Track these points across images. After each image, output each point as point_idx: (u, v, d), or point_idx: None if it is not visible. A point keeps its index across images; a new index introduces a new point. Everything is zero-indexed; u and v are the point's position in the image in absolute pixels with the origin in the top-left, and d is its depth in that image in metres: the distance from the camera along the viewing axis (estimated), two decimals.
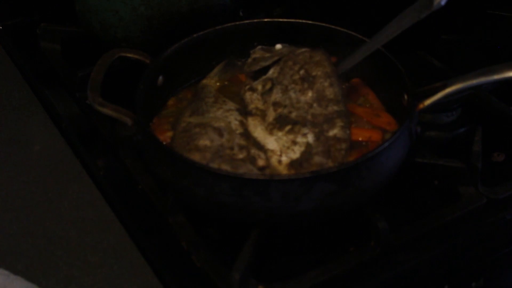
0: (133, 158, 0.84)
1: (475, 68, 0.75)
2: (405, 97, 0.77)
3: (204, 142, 0.74)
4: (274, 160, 0.74)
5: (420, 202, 0.81)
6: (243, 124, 0.79)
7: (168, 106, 0.86)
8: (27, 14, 1.17)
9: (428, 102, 0.76)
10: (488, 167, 0.82)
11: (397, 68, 0.80)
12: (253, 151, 0.75)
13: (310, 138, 0.75)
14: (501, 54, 1.03)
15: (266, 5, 1.13)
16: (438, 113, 0.92)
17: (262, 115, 0.80)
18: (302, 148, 0.74)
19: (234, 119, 0.79)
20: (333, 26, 0.88)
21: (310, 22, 0.89)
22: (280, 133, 0.76)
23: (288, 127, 0.76)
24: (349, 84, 0.88)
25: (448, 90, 0.75)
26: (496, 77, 0.73)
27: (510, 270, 0.78)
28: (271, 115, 0.79)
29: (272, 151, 0.75)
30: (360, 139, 0.79)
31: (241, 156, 0.74)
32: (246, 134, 0.78)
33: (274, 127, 0.77)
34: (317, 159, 0.73)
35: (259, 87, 0.83)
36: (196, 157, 0.72)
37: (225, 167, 0.71)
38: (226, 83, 0.90)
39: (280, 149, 0.75)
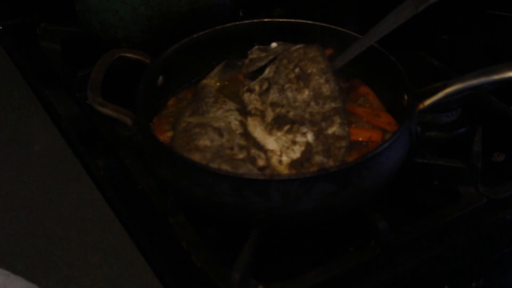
0: (133, 158, 0.84)
1: (475, 68, 0.75)
2: (405, 97, 0.77)
3: (204, 142, 0.74)
4: (274, 160, 0.74)
5: (420, 202, 0.81)
6: (243, 124, 0.79)
7: (168, 106, 0.86)
8: (27, 14, 1.17)
9: (428, 102, 0.76)
10: (488, 167, 0.82)
11: (397, 68, 0.80)
12: (253, 151, 0.75)
13: (310, 137, 0.75)
14: (501, 54, 1.03)
15: (266, 5, 1.13)
16: (438, 113, 0.92)
17: (262, 115, 0.80)
18: (302, 148, 0.74)
19: (234, 119, 0.79)
20: (333, 26, 0.88)
21: (310, 22, 0.89)
22: (279, 133, 0.76)
23: (286, 127, 0.76)
24: (349, 84, 0.88)
25: (448, 90, 0.75)
26: (496, 77, 0.73)
27: (510, 270, 0.78)
28: (269, 115, 0.79)
29: (272, 151, 0.75)
30: (360, 139, 0.79)
31: (241, 156, 0.74)
32: (246, 134, 0.78)
33: (273, 127, 0.77)
34: (318, 158, 0.73)
35: (257, 88, 0.83)
36: (196, 157, 0.72)
37: (225, 167, 0.71)
38: (226, 83, 0.90)
39: (280, 149, 0.75)
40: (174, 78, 0.87)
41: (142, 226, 0.76)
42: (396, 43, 0.83)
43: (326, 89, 0.79)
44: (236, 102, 0.84)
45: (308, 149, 0.74)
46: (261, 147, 0.76)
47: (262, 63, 0.85)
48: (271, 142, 0.76)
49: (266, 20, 0.92)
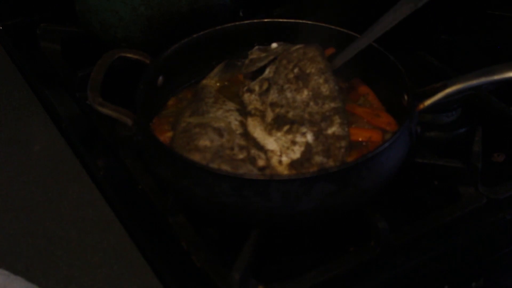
0: (133, 158, 0.84)
1: (475, 68, 0.75)
2: (405, 97, 0.77)
3: (204, 142, 0.74)
4: (274, 160, 0.74)
5: (420, 202, 0.81)
6: (243, 125, 0.79)
7: (168, 106, 0.86)
8: (27, 14, 1.17)
9: (428, 102, 0.76)
10: (488, 167, 0.82)
11: (397, 68, 0.80)
12: (253, 151, 0.75)
13: (309, 137, 0.75)
14: (501, 54, 1.03)
15: (266, 5, 1.13)
16: (438, 113, 0.92)
17: (262, 115, 0.80)
18: (302, 148, 0.74)
19: (234, 119, 0.79)
20: (333, 26, 0.88)
21: (310, 22, 0.89)
22: (279, 134, 0.76)
23: (286, 127, 0.76)
24: (349, 84, 0.88)
25: (448, 90, 0.75)
26: (496, 77, 0.73)
27: (510, 270, 0.78)
28: (269, 115, 0.79)
29: (272, 151, 0.75)
30: (360, 139, 0.79)
31: (241, 156, 0.74)
32: (246, 135, 0.78)
33: (272, 127, 0.77)
34: (318, 158, 0.73)
35: (256, 88, 0.83)
36: (196, 157, 0.72)
37: (225, 167, 0.71)
38: (226, 83, 0.90)
39: (280, 149, 0.75)
40: (174, 78, 0.87)
41: (142, 226, 0.76)
42: (396, 43, 0.83)
43: (325, 89, 0.79)
44: (236, 103, 0.84)
45: (308, 149, 0.74)
46: (261, 147, 0.76)
47: (262, 64, 0.85)
48: (271, 143, 0.76)
49: (266, 20, 0.92)
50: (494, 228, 0.77)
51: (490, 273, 0.77)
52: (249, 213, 0.69)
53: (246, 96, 0.83)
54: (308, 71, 0.80)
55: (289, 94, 0.79)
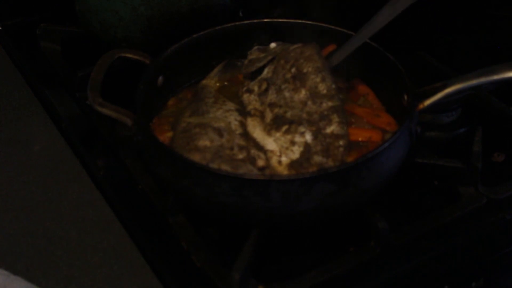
0: (133, 158, 0.84)
1: (475, 68, 0.75)
2: (405, 97, 0.77)
3: (204, 142, 0.74)
4: (274, 160, 0.74)
5: (420, 202, 0.81)
6: (243, 125, 0.79)
7: (168, 106, 0.86)
8: (27, 14, 1.17)
9: (428, 102, 0.75)
10: (488, 167, 0.82)
11: (397, 68, 0.80)
12: (253, 151, 0.75)
13: (308, 137, 0.75)
14: (501, 54, 1.03)
15: (266, 5, 1.13)
16: (438, 113, 0.92)
17: (261, 115, 0.80)
18: (301, 148, 0.74)
19: (234, 120, 0.79)
20: (333, 26, 0.88)
21: (310, 22, 0.89)
22: (277, 134, 0.76)
23: (285, 127, 0.76)
24: (349, 84, 0.88)
25: (448, 90, 0.75)
26: (496, 77, 0.73)
27: (510, 270, 0.78)
28: (268, 116, 0.79)
29: (272, 151, 0.75)
30: (360, 139, 0.79)
31: (241, 156, 0.74)
32: (246, 135, 0.78)
33: (271, 128, 0.77)
34: (317, 158, 0.73)
35: (256, 88, 0.83)
36: (196, 157, 0.72)
37: (225, 167, 0.71)
38: (226, 83, 0.90)
39: (280, 149, 0.75)
40: (174, 78, 0.87)
41: (142, 226, 0.76)
42: (396, 43, 0.83)
43: (322, 88, 0.78)
44: (236, 103, 0.84)
45: (307, 150, 0.74)
46: (260, 148, 0.76)
47: (261, 64, 0.85)
48: (270, 143, 0.76)
49: (266, 20, 0.92)
50: (494, 228, 0.77)
51: (490, 273, 0.77)
52: (249, 213, 0.69)
53: (246, 97, 0.83)
54: (305, 70, 0.80)
55: (287, 94, 0.79)
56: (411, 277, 0.73)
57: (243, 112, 0.82)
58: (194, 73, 0.90)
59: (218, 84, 0.89)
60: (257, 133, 0.78)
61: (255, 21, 0.91)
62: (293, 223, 0.73)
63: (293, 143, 0.75)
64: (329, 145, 0.74)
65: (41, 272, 0.71)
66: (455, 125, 0.92)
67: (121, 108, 0.76)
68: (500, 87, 0.94)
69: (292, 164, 0.73)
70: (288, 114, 0.77)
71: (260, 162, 0.74)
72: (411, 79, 0.77)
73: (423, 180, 0.82)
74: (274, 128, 0.77)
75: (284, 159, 0.74)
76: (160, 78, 0.84)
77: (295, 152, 0.74)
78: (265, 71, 0.84)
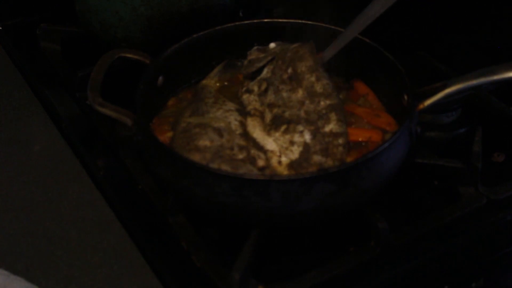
0: (133, 158, 0.84)
1: (475, 68, 0.75)
2: (405, 97, 0.77)
3: (204, 142, 0.74)
4: (274, 160, 0.74)
5: (420, 202, 0.81)
6: (243, 125, 0.79)
7: (168, 106, 0.86)
8: (27, 14, 1.17)
9: (428, 102, 0.76)
10: (488, 167, 0.82)
11: (397, 68, 0.80)
12: (253, 151, 0.75)
13: (307, 136, 0.75)
14: (501, 54, 1.03)
15: (266, 5, 1.13)
16: (438, 113, 0.92)
17: (261, 115, 0.80)
18: (300, 148, 0.74)
19: (234, 120, 0.79)
20: (333, 27, 0.88)
21: (310, 22, 0.89)
22: (277, 134, 0.76)
23: (283, 127, 0.76)
24: (349, 84, 0.88)
25: (448, 90, 0.75)
26: (496, 77, 0.73)
27: (510, 270, 0.78)
28: (268, 116, 0.79)
29: (272, 151, 0.75)
30: (360, 139, 0.79)
31: (241, 156, 0.74)
32: (246, 135, 0.78)
33: (271, 128, 0.77)
34: (316, 158, 0.73)
35: (255, 88, 0.83)
36: (196, 157, 0.72)
37: (225, 167, 0.71)
38: (226, 83, 0.90)
39: (279, 149, 0.75)
40: (174, 78, 0.87)
41: (142, 226, 0.76)
42: (396, 43, 0.83)
43: (318, 87, 0.78)
44: (236, 103, 0.84)
45: (306, 149, 0.74)
46: (260, 148, 0.76)
47: (261, 64, 0.85)
48: (270, 143, 0.76)
49: (266, 20, 0.92)
50: (494, 228, 0.77)
51: (490, 273, 0.77)
52: (249, 213, 0.69)
53: (245, 97, 0.83)
54: (299, 70, 0.80)
55: (284, 94, 0.79)
56: (411, 277, 0.73)
57: (243, 112, 0.82)
58: (194, 73, 0.90)
59: (218, 84, 0.89)
60: (257, 133, 0.78)
61: (255, 21, 0.91)
62: (293, 223, 0.73)
63: (292, 143, 0.75)
64: (328, 144, 0.74)
65: (41, 272, 0.71)
66: (455, 125, 0.92)
67: (121, 108, 0.76)
68: (500, 87, 0.94)
69: (292, 164, 0.73)
70: (287, 114, 0.77)
71: (260, 162, 0.74)
72: (411, 79, 0.77)
73: (423, 180, 0.82)
74: (273, 128, 0.77)
75: (284, 159, 0.74)
76: (160, 78, 0.84)
77: (295, 152, 0.74)
78: (264, 71, 0.84)
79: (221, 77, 0.90)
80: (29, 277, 0.69)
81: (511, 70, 0.73)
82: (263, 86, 0.82)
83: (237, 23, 0.91)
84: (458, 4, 1.03)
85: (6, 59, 1.07)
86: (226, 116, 0.80)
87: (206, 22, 0.91)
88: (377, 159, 0.69)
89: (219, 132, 0.76)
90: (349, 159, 0.75)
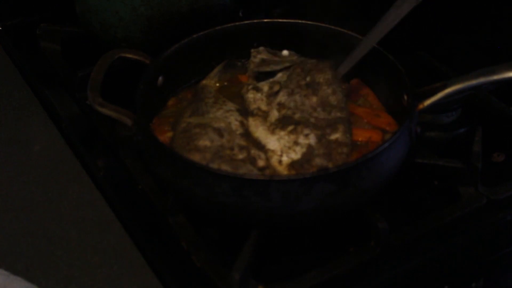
0: (133, 158, 0.84)
1: (475, 68, 0.75)
2: (405, 97, 0.77)
3: (204, 142, 0.74)
4: (274, 160, 0.74)
5: (420, 202, 0.81)
6: (243, 125, 0.79)
7: (168, 106, 0.86)
8: (27, 14, 1.17)
9: (428, 102, 0.76)
10: (488, 167, 0.82)
11: (397, 68, 0.80)
12: (253, 151, 0.75)
13: (312, 139, 0.75)
14: (501, 54, 1.03)
15: (266, 5, 1.13)
16: (438, 113, 0.92)
17: (264, 115, 0.80)
18: (304, 149, 0.74)
19: (234, 120, 0.79)
20: (333, 27, 0.88)
21: (310, 22, 0.89)
22: (282, 133, 0.76)
23: (290, 127, 0.76)
24: (349, 84, 0.87)
25: (448, 90, 0.75)
26: (496, 77, 0.73)
27: (510, 270, 0.78)
28: (274, 115, 0.79)
29: (273, 151, 0.75)
30: (360, 139, 0.79)
31: (241, 156, 0.74)
32: (246, 135, 0.78)
33: (276, 126, 0.77)
34: (318, 160, 0.73)
35: (265, 88, 0.83)
36: (196, 157, 0.72)
37: (225, 167, 0.71)
38: (226, 83, 0.90)
39: (281, 149, 0.75)
40: (174, 78, 0.87)
41: (142, 226, 0.76)
42: (396, 43, 0.83)
43: (333, 99, 0.80)
44: (236, 103, 0.84)
45: (309, 151, 0.74)
46: (261, 147, 0.76)
47: (278, 67, 0.85)
48: (272, 141, 0.76)
49: (266, 20, 0.92)
50: (494, 228, 0.77)
51: (490, 273, 0.77)
52: (249, 213, 0.69)
53: (251, 94, 0.83)
54: (317, 80, 0.81)
55: (298, 98, 0.80)
56: (411, 277, 0.73)
57: (244, 112, 0.82)
58: (194, 73, 0.90)
59: (218, 84, 0.89)
60: (260, 132, 0.78)
61: (255, 21, 0.91)
62: (293, 223, 0.73)
63: (296, 143, 0.75)
64: (332, 150, 0.74)
65: (41, 272, 0.71)
66: (455, 125, 0.92)
67: (121, 108, 0.76)
68: (500, 87, 0.94)
69: (293, 164, 0.73)
70: (296, 116, 0.78)
71: (260, 162, 0.74)
72: (411, 79, 0.77)
73: (423, 180, 0.82)
74: (280, 127, 0.77)
75: (285, 159, 0.74)
76: (160, 78, 0.84)
77: (297, 153, 0.74)
78: (279, 75, 0.85)
79: (221, 77, 0.90)
80: (29, 277, 0.69)
81: (511, 70, 0.73)
82: (276, 88, 0.83)
83: (237, 23, 0.91)
84: (458, 4, 1.03)
85: (6, 59, 1.07)
86: (226, 116, 0.80)
87: (206, 22, 0.91)
88: (377, 159, 0.69)
89: (219, 132, 0.76)
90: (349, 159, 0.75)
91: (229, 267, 0.67)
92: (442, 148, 0.89)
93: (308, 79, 0.82)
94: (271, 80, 0.85)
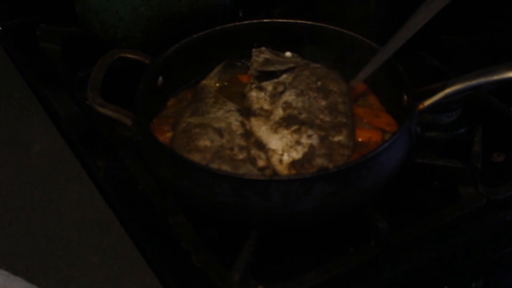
0: (133, 158, 0.84)
1: (475, 68, 0.75)
2: (405, 97, 0.77)
3: (204, 142, 0.74)
4: (275, 159, 0.74)
5: (420, 202, 0.81)
6: (243, 125, 0.79)
7: (168, 106, 0.86)
8: (27, 14, 1.17)
9: (428, 102, 0.76)
10: (488, 167, 0.82)
11: (397, 68, 0.80)
12: (253, 151, 0.75)
13: (315, 140, 0.75)
14: (501, 54, 1.03)
15: (266, 5, 1.13)
16: (438, 113, 0.92)
17: (267, 115, 0.80)
18: (305, 149, 0.74)
19: (234, 120, 0.79)
20: (333, 27, 0.88)
21: (310, 22, 0.89)
22: (285, 131, 0.76)
23: (294, 127, 0.77)
24: (349, 84, 0.87)
25: (448, 90, 0.75)
26: (496, 77, 0.73)
27: (510, 270, 0.78)
28: (278, 113, 0.79)
29: (274, 150, 0.75)
30: (360, 139, 0.79)
31: (241, 156, 0.74)
32: (247, 135, 0.78)
33: (280, 125, 0.77)
34: (319, 161, 0.73)
35: (269, 88, 0.83)
36: (196, 157, 0.72)
37: (225, 167, 0.71)
38: (226, 83, 0.90)
39: (283, 147, 0.75)
40: (174, 78, 0.87)
41: (142, 226, 0.76)
42: None
43: (341, 107, 0.80)
44: (236, 103, 0.84)
45: (311, 151, 0.74)
46: (261, 147, 0.76)
47: (283, 67, 0.85)
48: (274, 140, 0.76)
49: (266, 20, 0.92)
50: (494, 228, 0.77)
51: (490, 273, 0.77)
52: (249, 213, 0.69)
53: (254, 94, 0.83)
54: (330, 88, 0.82)
55: (306, 99, 0.80)
56: (411, 277, 0.73)
57: (244, 112, 0.82)
58: (194, 73, 0.90)
59: (218, 84, 0.89)
60: (262, 131, 0.78)
61: (255, 21, 0.91)
62: (293, 223, 0.73)
63: (298, 143, 0.75)
64: (333, 151, 0.74)
65: (41, 272, 0.71)
66: (455, 125, 0.92)
67: (121, 108, 0.76)
68: (500, 87, 0.94)
69: (293, 164, 0.73)
70: (302, 116, 0.78)
71: (261, 163, 0.74)
72: (411, 79, 0.77)
73: (423, 180, 0.82)
74: (284, 125, 0.77)
75: (285, 158, 0.74)
76: (160, 78, 0.84)
77: (299, 152, 0.74)
78: (284, 75, 0.85)
79: (221, 77, 0.90)
80: (29, 277, 0.69)
81: (511, 70, 0.73)
82: (280, 89, 0.83)
83: (237, 23, 0.91)
84: (458, 4, 1.03)
85: (6, 59, 1.07)
86: (226, 116, 0.80)
87: (206, 22, 0.91)
88: (377, 159, 0.69)
89: (219, 132, 0.76)
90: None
91: (229, 267, 0.67)
92: (442, 148, 0.89)
93: (319, 83, 0.82)
94: (275, 80, 0.85)
